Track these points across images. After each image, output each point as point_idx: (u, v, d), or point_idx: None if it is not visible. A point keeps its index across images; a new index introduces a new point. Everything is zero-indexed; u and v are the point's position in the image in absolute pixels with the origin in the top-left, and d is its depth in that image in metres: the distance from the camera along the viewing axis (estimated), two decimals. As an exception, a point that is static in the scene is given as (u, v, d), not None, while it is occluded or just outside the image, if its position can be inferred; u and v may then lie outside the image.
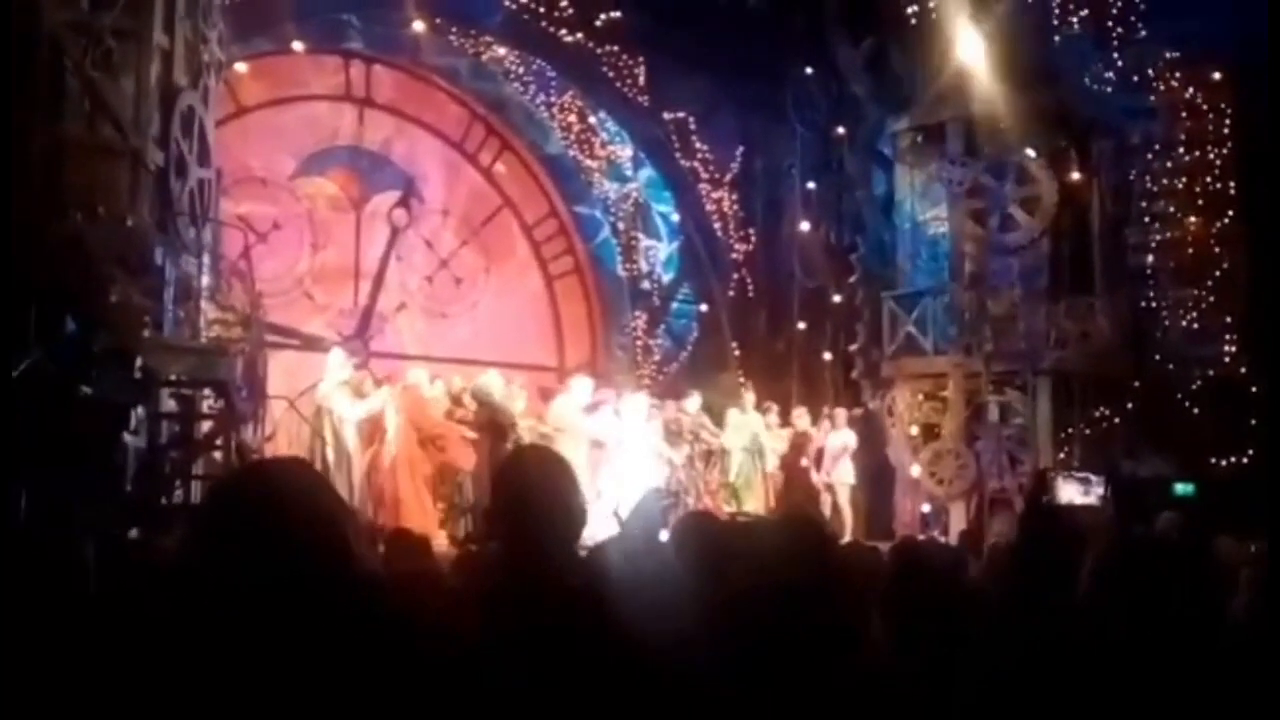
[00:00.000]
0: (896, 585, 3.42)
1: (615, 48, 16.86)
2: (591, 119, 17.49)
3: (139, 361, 8.52)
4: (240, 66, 13.52)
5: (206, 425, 9.81)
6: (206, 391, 9.71)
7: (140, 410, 8.85)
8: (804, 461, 14.71)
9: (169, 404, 9.66)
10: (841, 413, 15.26)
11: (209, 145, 10.85)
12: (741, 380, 16.92)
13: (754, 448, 14.45)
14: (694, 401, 14.50)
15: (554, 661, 2.39)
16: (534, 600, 2.51)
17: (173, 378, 9.23)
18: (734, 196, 18.15)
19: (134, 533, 7.80)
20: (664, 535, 6.08)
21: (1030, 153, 15.09)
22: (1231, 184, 15.81)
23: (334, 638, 1.79)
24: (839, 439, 14.78)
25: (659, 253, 18.13)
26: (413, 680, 1.92)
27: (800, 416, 15.15)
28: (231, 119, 14.03)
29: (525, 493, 2.70)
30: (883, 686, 2.45)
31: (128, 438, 8.60)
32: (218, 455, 9.58)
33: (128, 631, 2.01)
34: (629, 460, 12.68)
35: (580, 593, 2.57)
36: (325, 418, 11.37)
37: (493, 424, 11.96)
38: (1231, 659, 3.06)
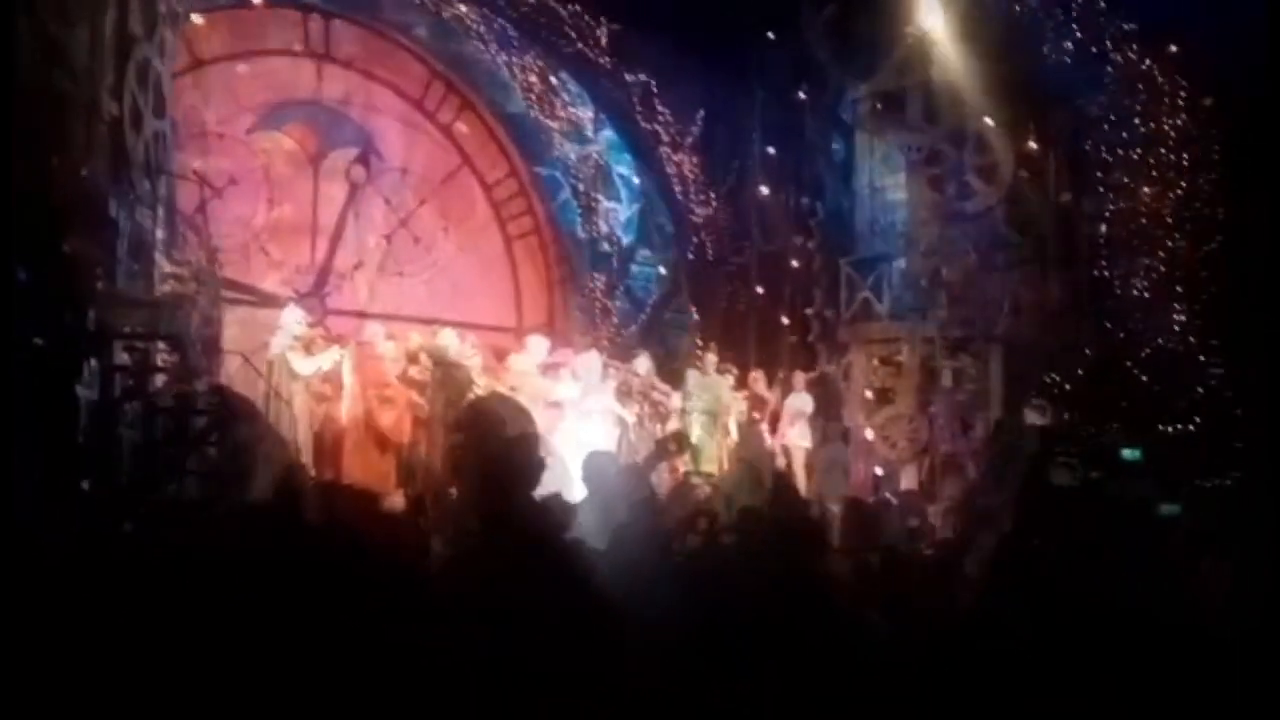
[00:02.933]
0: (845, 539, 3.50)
1: (577, 8, 16.76)
2: (553, 79, 17.36)
3: (91, 314, 8.44)
4: (197, 18, 13.34)
5: (160, 379, 9.73)
6: (161, 345, 9.63)
7: (93, 363, 8.76)
8: (761, 425, 14.82)
9: (122, 357, 9.56)
10: (799, 376, 15.38)
11: (165, 97, 10.71)
12: (699, 343, 16.98)
13: (715, 409, 14.50)
14: (643, 362, 14.52)
15: (517, 599, 2.43)
16: (496, 542, 2.55)
17: (126, 330, 9.12)
18: (694, 160, 18.14)
19: (85, 485, 7.76)
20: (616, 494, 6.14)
21: (989, 121, 15.17)
22: (1185, 156, 15.97)
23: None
24: (796, 402, 14.90)
25: (619, 215, 18.10)
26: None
27: (756, 380, 15.26)
28: (187, 71, 13.83)
29: (485, 438, 2.73)
30: (845, 635, 2.51)
31: (79, 390, 8.52)
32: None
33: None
34: (584, 421, 12.73)
35: (541, 535, 2.61)
36: (277, 374, 11.42)
37: (448, 382, 11.97)
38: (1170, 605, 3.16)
